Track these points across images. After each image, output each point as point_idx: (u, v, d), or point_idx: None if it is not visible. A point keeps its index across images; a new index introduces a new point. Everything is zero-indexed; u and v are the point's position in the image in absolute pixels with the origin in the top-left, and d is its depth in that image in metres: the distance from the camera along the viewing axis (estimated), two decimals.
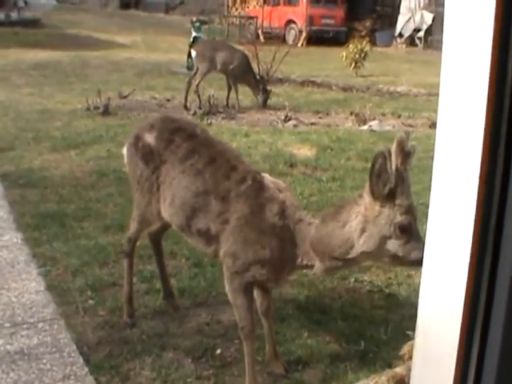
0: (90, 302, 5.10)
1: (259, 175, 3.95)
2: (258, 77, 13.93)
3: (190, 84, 13.49)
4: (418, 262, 3.17)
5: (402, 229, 3.23)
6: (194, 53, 14.04)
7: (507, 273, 1.36)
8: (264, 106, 13.73)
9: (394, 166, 3.16)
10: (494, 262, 1.40)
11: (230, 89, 13.87)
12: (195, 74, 13.63)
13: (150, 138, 4.38)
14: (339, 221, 3.49)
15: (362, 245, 3.38)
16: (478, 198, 1.44)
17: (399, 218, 3.23)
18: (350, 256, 3.46)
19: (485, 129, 1.41)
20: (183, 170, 4.12)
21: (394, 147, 3.18)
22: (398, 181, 3.20)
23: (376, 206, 3.29)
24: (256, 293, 4.13)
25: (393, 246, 3.28)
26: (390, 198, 3.22)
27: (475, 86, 1.48)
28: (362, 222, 3.36)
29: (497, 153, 1.39)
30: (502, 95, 1.37)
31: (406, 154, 3.20)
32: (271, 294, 4.32)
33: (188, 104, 13.39)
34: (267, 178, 3.99)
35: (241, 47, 14.89)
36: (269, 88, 13.97)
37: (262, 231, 3.74)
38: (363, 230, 3.35)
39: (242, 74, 13.64)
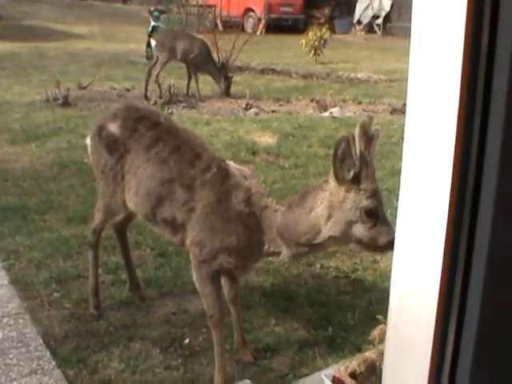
0: (55, 294, 5.05)
1: (224, 163, 3.93)
2: (218, 65, 13.87)
3: (149, 74, 13.40)
4: (386, 246, 3.18)
5: (368, 213, 3.23)
6: (153, 42, 13.93)
7: (483, 251, 1.37)
8: (227, 93, 13.68)
9: (357, 151, 3.16)
10: (470, 240, 1.40)
11: (190, 78, 13.80)
12: (155, 63, 13.53)
13: (113, 128, 4.34)
14: (305, 207, 3.49)
15: (328, 230, 3.38)
16: (452, 178, 1.43)
17: (365, 203, 3.23)
18: (317, 241, 3.47)
19: (458, 113, 1.41)
20: (148, 158, 4.09)
21: (357, 131, 3.19)
22: (362, 165, 3.20)
23: (341, 190, 3.29)
24: (223, 281, 4.12)
25: (359, 230, 3.29)
26: (354, 182, 3.23)
27: (447, 69, 1.47)
28: (327, 207, 3.36)
29: (471, 136, 1.39)
30: (475, 78, 1.36)
31: (369, 138, 3.21)
32: (238, 281, 4.31)
33: (148, 94, 13.30)
34: (232, 165, 3.98)
35: (200, 36, 14.80)
36: (230, 75, 13.92)
37: (228, 219, 3.72)
38: (329, 216, 3.36)
39: (203, 62, 13.58)
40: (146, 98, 13.14)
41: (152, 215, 4.08)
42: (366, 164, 3.21)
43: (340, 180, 3.27)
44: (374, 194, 3.24)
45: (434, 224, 1.55)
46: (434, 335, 1.52)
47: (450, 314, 1.48)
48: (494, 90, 1.33)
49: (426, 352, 1.56)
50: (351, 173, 3.22)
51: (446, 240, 1.48)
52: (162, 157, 4.03)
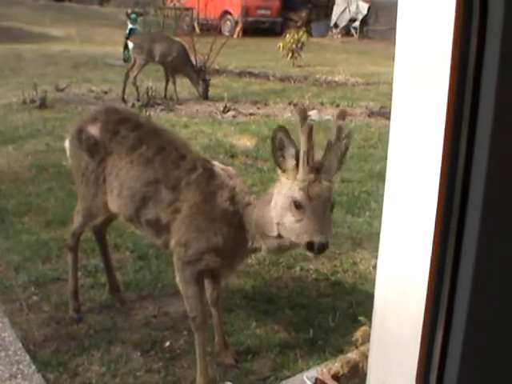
0: (34, 298, 5.03)
1: (209, 163, 3.94)
2: (196, 68, 13.84)
3: (127, 76, 13.34)
4: (309, 246, 3.14)
5: (297, 205, 3.21)
6: (131, 45, 13.86)
7: (471, 251, 1.37)
8: (205, 96, 13.64)
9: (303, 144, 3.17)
10: (458, 240, 1.41)
11: (167, 80, 13.75)
12: (133, 65, 13.47)
13: (94, 130, 4.32)
14: (266, 199, 3.50)
15: (274, 217, 3.39)
16: (440, 179, 1.44)
17: (295, 193, 3.21)
18: (275, 233, 3.45)
19: (446, 115, 1.41)
20: (131, 160, 4.08)
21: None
22: (303, 156, 3.19)
23: (283, 177, 3.31)
24: (205, 283, 4.11)
25: (288, 220, 3.28)
26: (294, 171, 3.23)
27: (433, 71, 1.48)
28: (275, 194, 3.38)
29: (459, 139, 1.39)
30: (464, 79, 1.37)
31: (310, 129, 3.18)
32: (221, 283, 4.31)
33: (126, 96, 13.24)
34: (217, 165, 3.99)
35: (178, 39, 14.76)
36: (208, 78, 13.90)
37: (213, 218, 3.72)
38: (275, 203, 3.37)
39: (181, 65, 13.53)
40: (124, 100, 13.07)
41: (136, 217, 4.07)
42: (306, 156, 3.19)
43: (281, 168, 3.28)
44: (307, 188, 3.19)
45: (421, 224, 1.55)
46: (422, 336, 1.53)
47: (437, 314, 1.49)
48: (483, 92, 1.34)
49: (414, 353, 1.56)
50: (289, 162, 3.23)
51: (433, 240, 1.49)
52: (146, 158, 4.03)
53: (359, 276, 5.51)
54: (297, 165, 3.21)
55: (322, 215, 3.17)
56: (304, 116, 3.21)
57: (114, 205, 4.23)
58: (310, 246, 3.15)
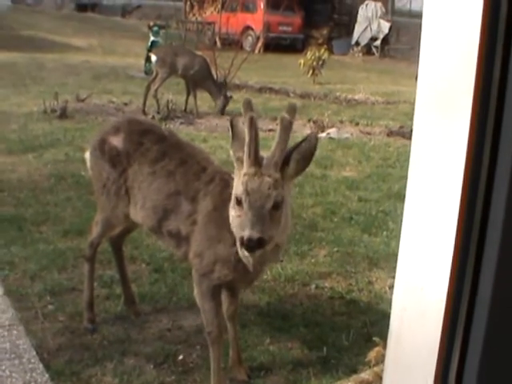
0: (50, 307, 5.05)
1: (228, 175, 3.90)
2: (217, 82, 13.89)
3: (148, 88, 13.42)
4: (243, 243, 3.10)
5: (237, 200, 3.20)
6: (154, 57, 13.94)
7: (491, 271, 1.38)
8: (222, 112, 13.67)
9: (246, 135, 3.17)
10: (477, 260, 1.41)
11: (188, 94, 13.81)
12: (154, 78, 13.55)
13: (116, 141, 4.36)
14: None
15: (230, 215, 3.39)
16: (460, 201, 1.44)
17: (237, 188, 3.21)
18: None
19: (468, 139, 1.42)
20: (153, 171, 4.11)
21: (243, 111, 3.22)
22: (246, 149, 3.18)
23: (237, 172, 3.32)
24: (223, 297, 4.12)
25: (231, 217, 3.29)
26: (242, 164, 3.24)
27: (457, 94, 1.49)
28: None
29: (481, 163, 1.40)
30: (488, 96, 1.38)
31: (251, 120, 3.18)
32: (238, 298, 4.31)
33: (146, 108, 13.32)
34: None
35: (200, 53, 14.84)
36: (229, 94, 13.93)
37: (224, 228, 3.64)
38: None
39: (203, 79, 13.60)
40: (144, 112, 13.15)
41: (158, 228, 4.11)
42: (248, 148, 3.19)
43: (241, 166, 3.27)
44: (247, 182, 3.17)
45: (439, 245, 1.55)
46: (438, 359, 1.53)
47: (454, 337, 1.49)
48: (506, 116, 1.35)
49: (429, 376, 1.56)
50: (237, 153, 3.26)
51: (452, 261, 1.49)
52: (168, 170, 4.06)
53: (374, 295, 5.50)
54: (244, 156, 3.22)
55: (259, 211, 3.12)
56: (247, 106, 3.23)
57: (137, 216, 4.26)
58: (241, 241, 3.14)
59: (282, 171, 3.21)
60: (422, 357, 1.66)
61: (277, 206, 3.18)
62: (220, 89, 13.77)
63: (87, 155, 4.61)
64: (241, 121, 3.24)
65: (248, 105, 3.24)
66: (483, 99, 1.40)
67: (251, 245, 3.08)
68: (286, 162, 3.20)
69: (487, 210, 1.40)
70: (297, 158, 3.20)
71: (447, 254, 1.51)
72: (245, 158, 3.20)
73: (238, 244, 3.30)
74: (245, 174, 3.18)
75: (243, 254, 3.38)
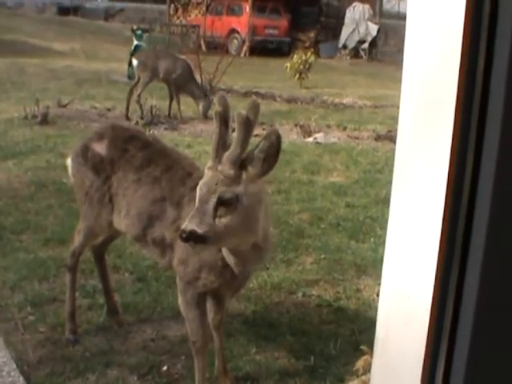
0: (30, 318, 5.02)
1: None
2: (200, 86, 13.88)
3: (131, 93, 13.41)
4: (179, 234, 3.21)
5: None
6: (135, 62, 13.94)
7: (475, 280, 1.38)
8: (205, 116, 13.65)
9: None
10: (462, 268, 1.42)
11: (171, 99, 13.80)
12: (137, 83, 13.55)
13: (100, 147, 4.35)
14: None
15: None
16: (444, 207, 1.45)
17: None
18: None
19: (452, 143, 1.43)
20: (138, 178, 4.11)
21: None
22: (213, 143, 3.31)
23: None
24: (209, 305, 4.11)
25: None
26: None
27: (441, 94, 1.49)
28: None
29: (464, 166, 1.41)
30: (471, 99, 1.39)
31: (219, 115, 3.28)
32: (224, 307, 4.31)
33: (129, 114, 13.30)
34: None
35: (183, 56, 14.83)
36: (211, 98, 13.94)
37: None
38: None
39: (185, 83, 13.58)
40: (128, 118, 13.14)
41: (143, 236, 4.10)
42: (215, 141, 3.31)
43: None
44: (203, 176, 3.31)
45: (424, 252, 1.56)
46: (423, 367, 1.54)
47: (439, 345, 1.50)
48: (489, 118, 1.36)
49: (415, 383, 1.57)
50: None
51: (436, 269, 1.50)
52: (153, 177, 4.07)
53: (363, 303, 5.50)
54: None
55: (202, 205, 3.19)
56: (220, 101, 3.31)
57: (121, 224, 4.25)
58: (179, 234, 3.23)
59: (244, 170, 3.23)
60: (408, 364, 1.67)
61: (226, 202, 3.21)
62: (203, 93, 13.76)
63: (69, 162, 4.60)
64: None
65: (220, 100, 3.30)
66: (466, 103, 1.41)
67: (183, 236, 3.17)
68: (249, 160, 3.21)
69: (471, 216, 1.40)
70: (260, 156, 3.20)
71: (432, 261, 1.52)
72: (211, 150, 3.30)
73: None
74: (206, 168, 3.30)
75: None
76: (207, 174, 3.27)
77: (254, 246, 3.45)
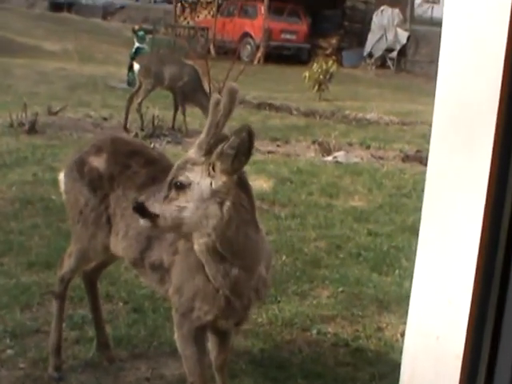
0: (9, 351, 4.98)
1: None
2: (209, 96, 13.89)
3: (131, 101, 13.44)
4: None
5: None
6: (137, 66, 14.00)
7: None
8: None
9: None
10: (499, 308, 1.42)
11: (176, 109, 13.80)
12: (138, 90, 13.58)
13: (98, 162, 4.34)
14: None
15: None
16: (481, 239, 1.45)
17: None
18: None
19: (490, 167, 1.43)
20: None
21: None
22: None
23: None
24: (212, 343, 4.10)
25: None
26: None
27: (480, 116, 1.50)
28: None
29: (504, 199, 1.41)
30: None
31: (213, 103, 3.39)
32: (229, 345, 4.28)
33: (128, 124, 13.32)
34: None
35: (190, 62, 14.87)
36: None
37: None
38: None
39: (192, 92, 13.59)
40: (126, 129, 13.16)
41: (140, 260, 4.09)
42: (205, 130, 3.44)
43: None
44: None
45: (457, 288, 1.55)
46: None
47: None
48: None
49: None
50: None
51: (470, 308, 1.49)
52: None
53: (384, 344, 5.48)
54: None
55: (163, 184, 3.45)
56: (227, 91, 3.36)
57: (118, 247, 4.24)
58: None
59: (210, 161, 3.35)
60: None
61: (177, 186, 3.38)
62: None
63: (61, 177, 4.58)
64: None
65: (229, 91, 3.36)
66: (508, 122, 1.41)
67: (133, 205, 3.49)
68: (218, 154, 3.31)
69: (510, 251, 1.40)
70: (230, 152, 3.26)
71: (465, 298, 1.51)
72: None
73: None
74: None
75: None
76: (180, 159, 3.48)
77: (216, 253, 3.48)
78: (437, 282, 1.68)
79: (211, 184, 3.32)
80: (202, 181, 3.33)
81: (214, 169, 3.32)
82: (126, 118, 13.36)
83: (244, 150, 3.24)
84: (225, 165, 3.28)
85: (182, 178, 3.35)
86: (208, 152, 3.32)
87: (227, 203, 3.39)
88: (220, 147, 3.27)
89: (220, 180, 3.32)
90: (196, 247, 3.52)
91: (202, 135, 3.35)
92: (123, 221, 4.17)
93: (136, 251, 4.10)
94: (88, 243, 4.43)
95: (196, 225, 3.39)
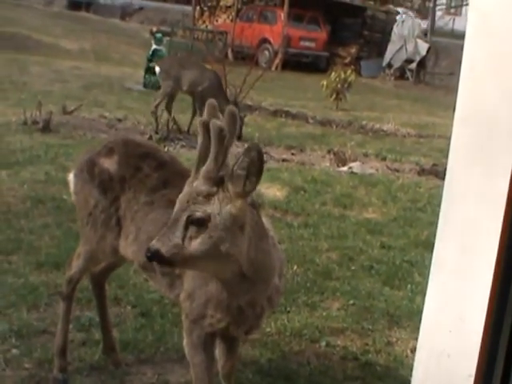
0: (14, 351, 4.98)
1: None
2: (229, 101, 13.84)
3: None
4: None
5: None
6: (157, 69, 14.04)
7: None
8: (239, 136, 13.61)
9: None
10: None
11: (194, 113, 13.75)
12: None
13: (109, 164, 4.34)
14: None
15: None
16: (497, 256, 1.45)
17: None
18: None
19: (511, 181, 1.43)
20: (151, 201, 4.12)
21: None
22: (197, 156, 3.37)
23: None
24: (220, 351, 4.10)
25: None
26: None
27: (499, 133, 1.49)
28: None
29: None
30: None
31: (203, 125, 3.33)
32: (237, 353, 4.27)
33: (144, 127, 13.34)
34: None
35: (211, 67, 14.89)
36: (242, 114, 13.94)
37: None
38: None
39: (212, 97, 13.47)
40: (156, 132, 13.06)
41: (150, 264, 4.08)
42: (197, 156, 3.36)
43: None
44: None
45: (471, 305, 1.55)
46: None
47: None
48: None
49: None
50: None
51: (484, 327, 1.49)
52: (168, 199, 4.05)
53: (394, 359, 5.46)
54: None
55: (172, 223, 3.27)
56: (209, 109, 3.37)
57: (128, 250, 4.24)
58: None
59: (222, 187, 3.26)
60: None
61: (196, 222, 3.24)
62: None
63: (71, 177, 4.58)
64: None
65: (209, 107, 3.37)
66: None
67: (147, 255, 3.28)
68: (229, 177, 3.24)
69: None
70: (240, 173, 3.21)
71: (479, 316, 1.51)
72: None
73: None
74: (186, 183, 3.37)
75: None
76: (185, 188, 3.33)
77: (240, 275, 3.45)
78: (450, 299, 1.67)
79: (228, 211, 3.26)
80: (222, 210, 3.25)
81: (225, 195, 3.26)
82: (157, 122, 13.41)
83: (255, 170, 3.20)
84: (238, 187, 3.23)
85: (199, 214, 3.23)
86: (220, 180, 3.25)
87: (247, 226, 3.38)
88: (230, 170, 3.22)
89: (235, 205, 3.28)
90: (220, 276, 3.51)
91: (209, 165, 3.25)
92: (133, 224, 4.17)
93: None
94: (97, 245, 4.43)
95: (221, 257, 3.35)
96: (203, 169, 3.27)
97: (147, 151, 4.44)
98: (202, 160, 3.30)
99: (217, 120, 3.28)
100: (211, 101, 3.40)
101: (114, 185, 4.29)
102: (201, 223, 3.23)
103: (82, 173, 4.48)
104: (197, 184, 3.27)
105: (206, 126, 3.27)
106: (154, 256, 3.25)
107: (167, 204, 4.04)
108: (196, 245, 3.24)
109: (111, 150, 4.44)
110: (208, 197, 3.25)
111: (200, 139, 3.30)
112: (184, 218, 3.23)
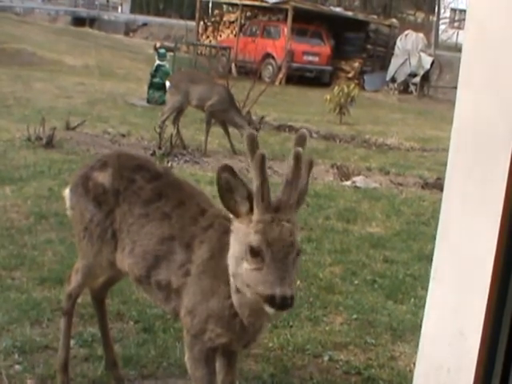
0: (17, 367, 4.96)
1: (229, 220, 3.86)
2: (241, 114, 13.80)
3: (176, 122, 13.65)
4: (271, 300, 3.11)
5: (253, 251, 3.18)
6: (168, 84, 14.08)
7: None
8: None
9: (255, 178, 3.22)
10: (510, 341, 1.41)
11: (227, 133, 13.93)
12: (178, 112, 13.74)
13: (103, 177, 4.35)
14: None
15: (230, 268, 3.40)
16: (493, 267, 1.45)
17: (251, 238, 3.20)
18: (233, 286, 3.47)
19: (506, 192, 1.43)
20: (146, 213, 4.11)
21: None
22: (256, 193, 3.22)
23: (237, 223, 3.35)
24: (219, 365, 4.09)
25: (243, 269, 3.24)
26: (249, 214, 3.26)
27: (496, 141, 1.50)
28: (231, 243, 3.41)
29: None
30: None
31: (260, 161, 3.22)
32: (236, 367, 4.26)
33: (147, 142, 13.37)
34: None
35: (220, 82, 14.94)
36: (258, 126, 13.97)
37: (220, 278, 3.65)
38: (231, 252, 3.40)
39: (223, 111, 13.54)
40: (160, 148, 13.03)
41: (146, 277, 4.08)
42: (260, 192, 3.22)
43: (234, 214, 3.34)
44: (265, 230, 3.19)
45: (469, 320, 1.55)
46: None
47: None
48: None
49: None
50: (242, 205, 3.29)
51: (481, 341, 1.49)
52: (163, 212, 4.06)
53: (397, 374, 5.44)
54: (251, 207, 3.25)
55: (285, 262, 3.15)
56: (253, 144, 3.27)
57: (124, 263, 4.23)
58: (271, 299, 3.11)
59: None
60: None
61: (298, 253, 3.22)
62: (246, 121, 13.66)
63: (67, 192, 4.57)
64: (226, 170, 3.30)
65: (253, 141, 3.29)
66: None
67: (286, 303, 3.11)
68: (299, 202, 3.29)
69: None
70: (302, 196, 3.30)
71: (477, 330, 1.50)
72: (255, 203, 3.22)
73: (260, 302, 3.27)
74: (259, 221, 3.21)
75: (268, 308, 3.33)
76: (272, 227, 3.20)
77: None
78: (448, 312, 1.67)
79: None
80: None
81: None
82: (160, 137, 13.36)
83: (305, 192, 3.32)
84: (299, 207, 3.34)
85: (300, 245, 3.25)
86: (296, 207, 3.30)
87: None
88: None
89: None
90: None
91: (289, 195, 3.24)
92: (129, 237, 4.17)
93: (142, 269, 4.09)
94: (94, 259, 4.43)
95: None
96: (283, 199, 3.25)
97: (141, 163, 4.45)
98: (268, 194, 3.23)
99: (297, 147, 3.29)
100: (251, 133, 3.37)
101: (109, 198, 4.29)
102: (299, 253, 3.25)
103: (76, 187, 4.48)
104: (288, 217, 3.23)
105: (263, 160, 3.22)
106: (291, 303, 3.13)
107: (162, 216, 4.06)
108: (296, 275, 3.26)
109: (105, 163, 4.45)
110: (296, 227, 3.27)
111: (260, 174, 3.20)
112: (294, 253, 3.18)
